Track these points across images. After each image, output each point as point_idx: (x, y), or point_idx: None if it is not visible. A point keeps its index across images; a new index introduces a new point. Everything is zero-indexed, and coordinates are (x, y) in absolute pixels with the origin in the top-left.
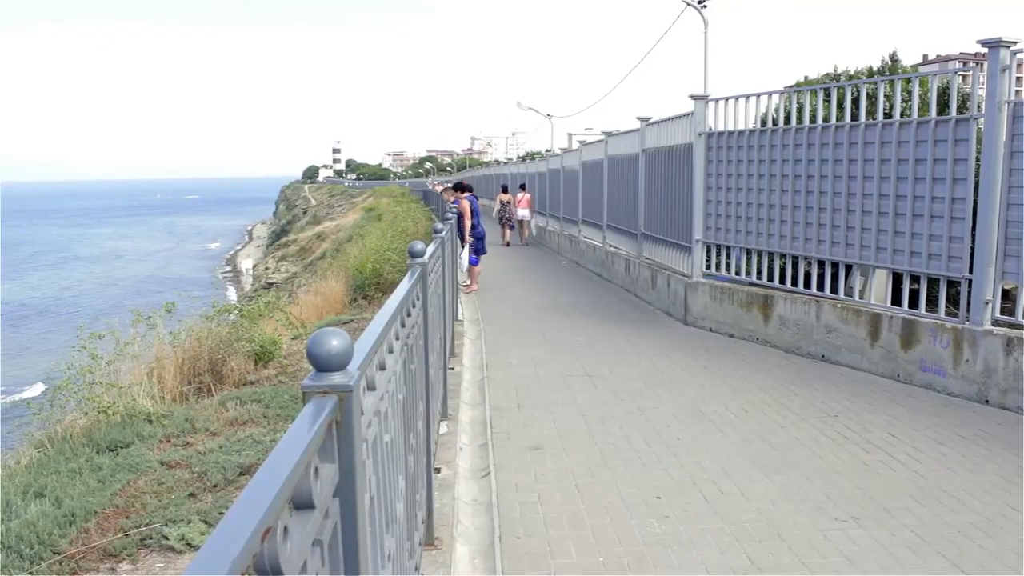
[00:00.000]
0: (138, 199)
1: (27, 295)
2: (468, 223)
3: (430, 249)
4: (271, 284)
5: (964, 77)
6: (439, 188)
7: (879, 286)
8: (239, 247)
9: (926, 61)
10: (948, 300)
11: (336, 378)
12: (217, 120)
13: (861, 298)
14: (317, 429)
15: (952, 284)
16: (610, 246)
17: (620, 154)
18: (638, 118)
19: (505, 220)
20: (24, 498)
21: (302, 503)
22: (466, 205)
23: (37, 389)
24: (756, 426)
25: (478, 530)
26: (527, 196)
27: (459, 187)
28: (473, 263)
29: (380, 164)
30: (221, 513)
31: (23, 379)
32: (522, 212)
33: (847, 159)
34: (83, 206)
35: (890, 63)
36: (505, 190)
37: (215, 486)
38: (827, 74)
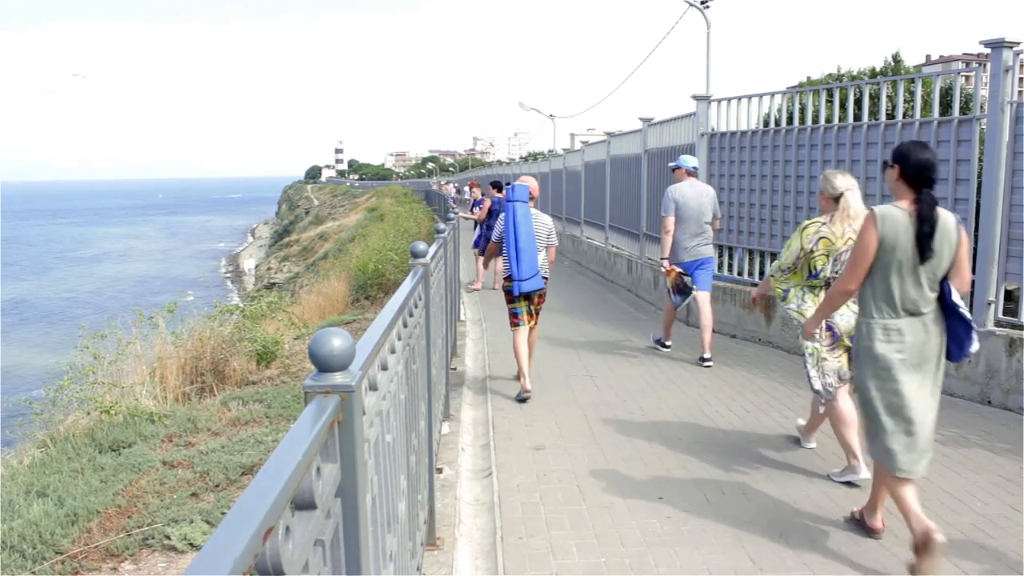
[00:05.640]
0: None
1: (27, 294)
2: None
3: (432, 249)
4: (273, 284)
5: (967, 78)
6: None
7: None
8: (242, 247)
9: (929, 62)
10: None
11: (338, 378)
12: (220, 120)
13: None
14: (319, 429)
15: None
16: (612, 246)
17: (623, 154)
18: (640, 119)
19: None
20: (27, 498)
21: (304, 503)
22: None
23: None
24: (758, 426)
25: (480, 530)
26: None
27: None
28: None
29: (382, 164)
30: (223, 513)
31: (25, 379)
32: None
33: (850, 160)
34: (87, 206)
35: (893, 63)
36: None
37: (217, 486)
38: (830, 75)
